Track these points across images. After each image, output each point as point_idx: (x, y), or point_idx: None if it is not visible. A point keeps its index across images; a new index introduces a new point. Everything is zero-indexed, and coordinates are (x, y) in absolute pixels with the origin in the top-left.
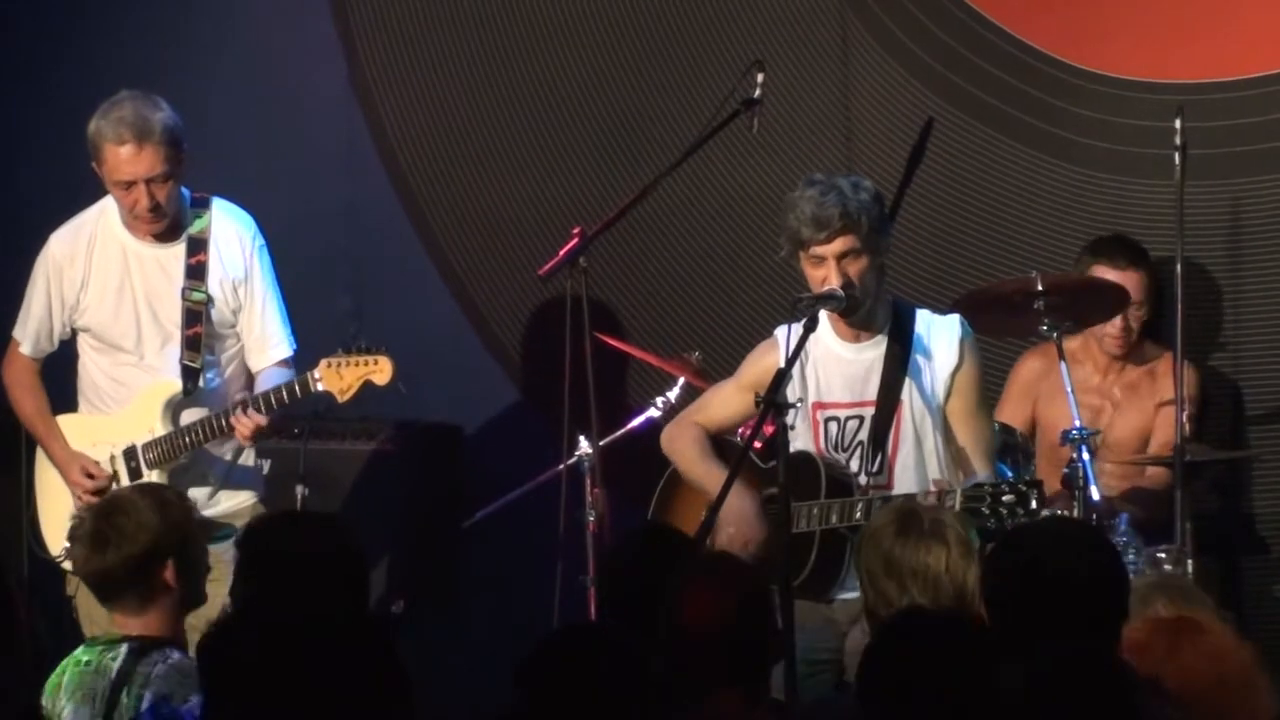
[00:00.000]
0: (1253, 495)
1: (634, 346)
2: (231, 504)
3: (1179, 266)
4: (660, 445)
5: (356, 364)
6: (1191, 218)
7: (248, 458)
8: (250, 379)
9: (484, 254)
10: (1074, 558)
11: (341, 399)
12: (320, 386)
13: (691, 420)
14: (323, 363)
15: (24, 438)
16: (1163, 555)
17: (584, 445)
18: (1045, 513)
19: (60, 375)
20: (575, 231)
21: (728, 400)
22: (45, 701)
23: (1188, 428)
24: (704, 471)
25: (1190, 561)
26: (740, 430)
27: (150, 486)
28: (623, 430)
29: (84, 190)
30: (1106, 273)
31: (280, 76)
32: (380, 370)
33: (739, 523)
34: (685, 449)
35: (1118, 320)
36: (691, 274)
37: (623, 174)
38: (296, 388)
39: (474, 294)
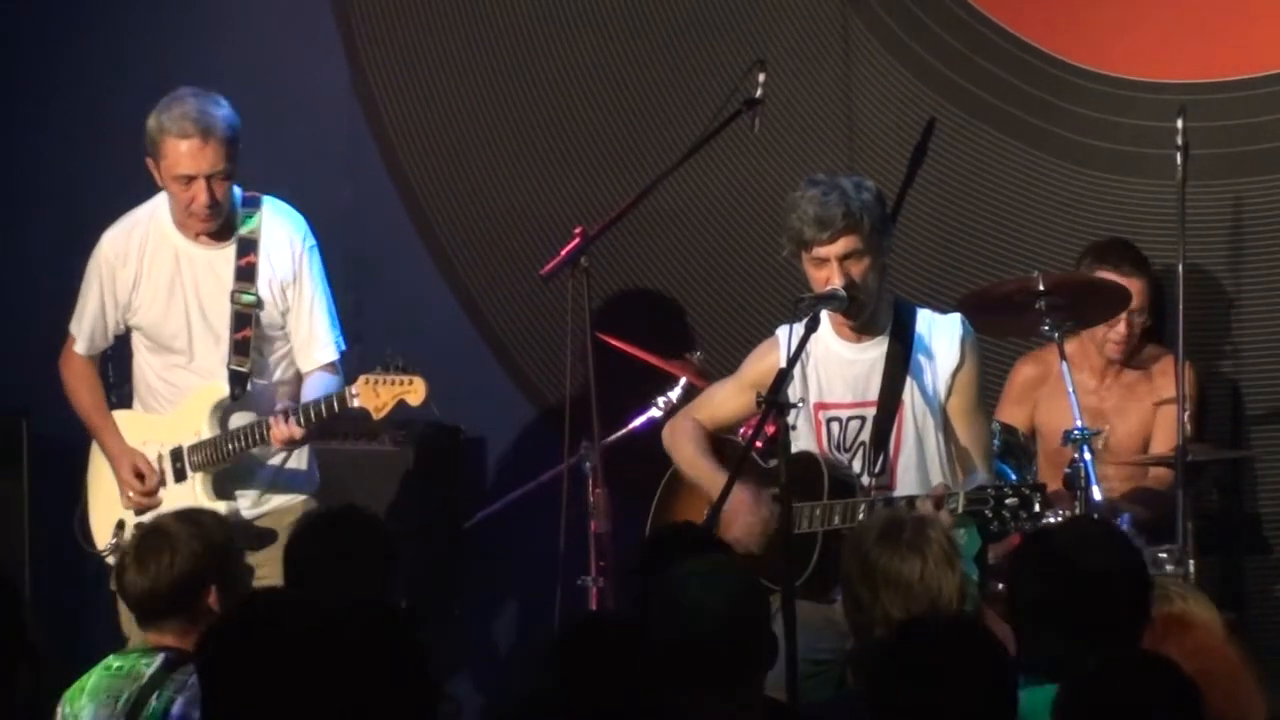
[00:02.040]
0: (1255, 495)
1: (635, 346)
2: (281, 502)
3: (1180, 267)
4: (661, 441)
5: (392, 383)
6: (1193, 218)
7: (300, 459)
8: (300, 379)
9: (485, 254)
10: (1103, 558)
11: (376, 416)
12: (357, 403)
13: (692, 416)
14: (360, 379)
15: (25, 438)
16: (1164, 555)
17: (585, 445)
18: (1048, 515)
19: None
20: (577, 231)
21: (729, 398)
22: (64, 706)
23: (1189, 427)
24: (702, 469)
25: (1192, 561)
26: (741, 430)
27: (188, 513)
28: (624, 430)
29: (78, 190)
30: (1110, 278)
31: (280, 76)
32: (414, 391)
33: (742, 511)
34: (684, 445)
35: (1121, 327)
36: (693, 274)
37: (624, 174)
38: (335, 403)
39: (475, 294)
